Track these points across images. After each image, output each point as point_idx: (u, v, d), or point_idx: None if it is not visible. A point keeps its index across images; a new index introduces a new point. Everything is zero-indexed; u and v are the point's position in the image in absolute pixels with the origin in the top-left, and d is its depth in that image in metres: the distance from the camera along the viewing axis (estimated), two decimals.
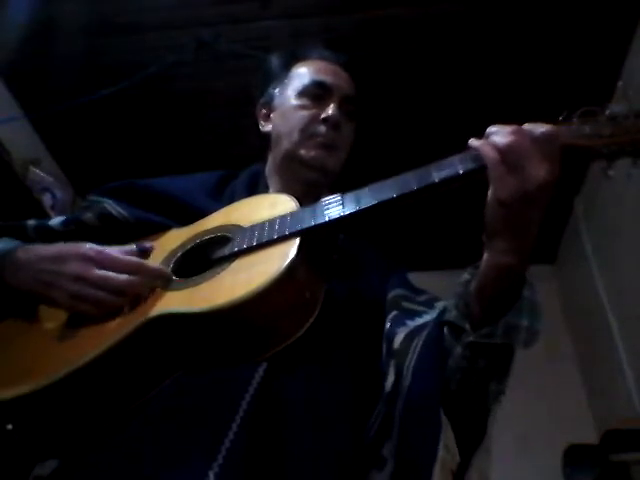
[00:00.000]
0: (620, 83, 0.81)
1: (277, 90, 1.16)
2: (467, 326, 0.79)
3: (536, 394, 2.92)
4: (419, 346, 0.87)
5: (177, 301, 0.82)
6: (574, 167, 0.75)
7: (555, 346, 3.17)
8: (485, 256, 0.78)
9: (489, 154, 0.74)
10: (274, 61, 1.20)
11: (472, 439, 0.83)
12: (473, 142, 0.78)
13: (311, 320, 0.81)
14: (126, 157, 3.00)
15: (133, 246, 0.92)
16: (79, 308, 0.85)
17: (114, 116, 2.84)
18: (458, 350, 0.81)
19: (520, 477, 2.76)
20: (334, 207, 0.85)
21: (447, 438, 0.79)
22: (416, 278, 1.11)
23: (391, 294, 1.00)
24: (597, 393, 3.01)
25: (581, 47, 2.41)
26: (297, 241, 0.82)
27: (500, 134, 0.75)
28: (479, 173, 0.77)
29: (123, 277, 0.84)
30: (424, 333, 0.88)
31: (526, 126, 0.75)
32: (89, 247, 0.87)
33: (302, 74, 1.14)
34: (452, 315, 0.82)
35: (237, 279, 0.81)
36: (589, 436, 2.71)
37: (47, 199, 2.80)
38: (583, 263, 3.07)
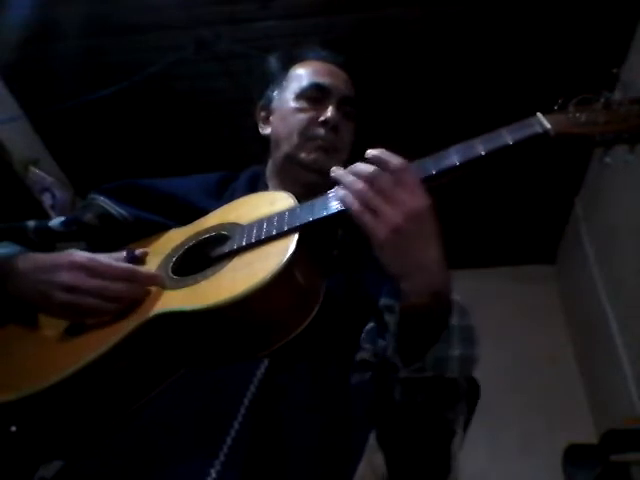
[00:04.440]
0: (615, 70, 0.82)
1: (276, 92, 1.16)
2: (399, 362, 0.78)
3: (536, 394, 2.93)
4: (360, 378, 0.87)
5: (177, 299, 0.82)
6: (576, 161, 0.76)
7: (555, 346, 3.17)
8: (401, 298, 0.78)
9: (351, 204, 0.76)
10: (272, 62, 1.20)
11: (433, 469, 0.81)
12: (339, 191, 0.80)
13: (312, 315, 0.81)
14: (126, 157, 3.00)
15: (123, 253, 0.91)
16: (74, 318, 0.84)
17: (114, 116, 2.85)
18: (398, 387, 0.79)
19: (520, 477, 2.76)
20: (332, 202, 0.85)
21: (374, 464, 0.79)
22: None
23: (381, 301, 0.99)
24: (597, 393, 3.00)
25: (582, 44, 2.41)
26: (296, 236, 0.82)
27: (354, 179, 0.77)
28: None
29: (117, 285, 0.83)
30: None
31: (374, 160, 0.77)
32: (81, 255, 0.86)
33: (300, 76, 1.14)
34: (388, 352, 0.81)
35: (237, 276, 0.81)
36: (589, 436, 2.71)
37: (47, 199, 2.81)
38: (583, 263, 3.07)
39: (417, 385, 0.77)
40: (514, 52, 2.47)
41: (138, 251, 0.94)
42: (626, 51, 2.41)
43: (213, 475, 0.70)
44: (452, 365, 0.76)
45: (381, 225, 0.74)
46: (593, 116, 0.76)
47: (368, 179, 0.76)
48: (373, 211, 0.75)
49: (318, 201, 0.87)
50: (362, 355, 0.90)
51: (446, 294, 0.77)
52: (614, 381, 2.73)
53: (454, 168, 0.79)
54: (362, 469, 0.78)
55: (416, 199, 0.74)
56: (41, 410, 0.78)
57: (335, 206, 0.84)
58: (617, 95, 0.77)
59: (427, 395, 0.78)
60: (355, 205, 0.76)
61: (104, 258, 0.87)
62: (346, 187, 0.78)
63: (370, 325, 0.94)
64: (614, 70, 0.82)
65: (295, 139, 1.07)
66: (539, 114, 0.78)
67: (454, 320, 0.77)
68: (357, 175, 0.78)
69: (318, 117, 1.08)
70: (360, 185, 0.76)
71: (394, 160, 0.76)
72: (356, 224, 0.77)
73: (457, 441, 0.81)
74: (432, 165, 0.81)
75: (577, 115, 0.77)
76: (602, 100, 0.77)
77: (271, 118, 1.16)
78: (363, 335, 0.93)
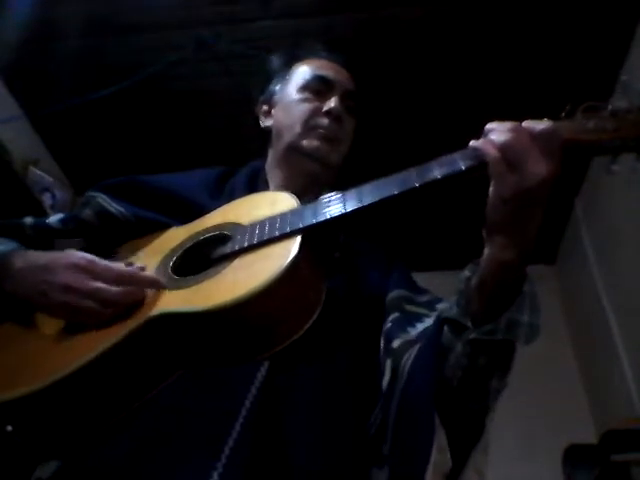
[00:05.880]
0: (623, 77, 0.81)
1: (278, 87, 1.17)
2: (469, 323, 0.79)
3: (536, 394, 2.92)
4: (416, 348, 0.86)
5: (178, 300, 0.82)
6: (577, 163, 0.76)
7: (555, 346, 3.17)
8: (486, 252, 0.78)
9: (490, 152, 0.75)
10: (275, 60, 1.21)
11: (469, 439, 0.82)
12: (474, 142, 0.78)
13: (313, 318, 0.81)
14: (126, 157, 3.00)
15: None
16: (71, 318, 0.84)
17: (114, 116, 2.84)
18: (459, 347, 0.80)
19: (520, 477, 2.76)
20: (335, 204, 0.85)
21: (440, 441, 0.78)
22: (416, 279, 1.11)
23: (392, 294, 1.00)
24: (597, 393, 3.00)
25: (583, 43, 2.40)
26: (299, 239, 0.82)
27: (499, 131, 0.76)
28: (480, 169, 0.77)
29: (115, 289, 0.82)
30: (424, 337, 0.87)
31: (526, 123, 0.76)
32: (81, 256, 0.86)
33: (304, 70, 1.15)
34: (453, 312, 0.81)
35: (238, 277, 0.81)
36: (589, 436, 2.71)
37: (47, 199, 2.80)
38: (583, 263, 3.07)
39: (483, 348, 0.78)
40: (514, 53, 2.47)
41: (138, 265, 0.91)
42: (626, 52, 2.40)
43: (215, 477, 0.70)
44: (522, 331, 0.76)
45: (513, 181, 0.72)
46: (601, 123, 0.75)
47: (517, 131, 0.74)
48: (510, 164, 0.73)
49: (321, 203, 0.87)
50: (398, 342, 0.89)
51: (528, 258, 0.77)
52: (614, 381, 2.73)
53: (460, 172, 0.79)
54: (434, 455, 0.77)
55: (553, 167, 0.73)
56: (38, 410, 0.78)
57: (339, 209, 0.83)
58: (617, 96, 0.76)
59: (490, 359, 0.78)
60: (495, 154, 0.74)
61: (104, 261, 0.86)
62: (492, 132, 0.76)
63: (395, 315, 0.94)
64: (623, 77, 0.81)
65: (298, 128, 1.07)
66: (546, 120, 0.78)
67: (526, 287, 0.78)
68: (504, 126, 0.76)
69: (322, 108, 1.08)
70: (509, 135, 0.75)
71: (542, 125, 0.75)
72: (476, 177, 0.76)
73: (491, 415, 0.82)
74: (437, 169, 0.80)
75: (585, 122, 0.76)
76: (609, 107, 0.76)
77: (273, 111, 1.16)
78: (389, 325, 0.93)
